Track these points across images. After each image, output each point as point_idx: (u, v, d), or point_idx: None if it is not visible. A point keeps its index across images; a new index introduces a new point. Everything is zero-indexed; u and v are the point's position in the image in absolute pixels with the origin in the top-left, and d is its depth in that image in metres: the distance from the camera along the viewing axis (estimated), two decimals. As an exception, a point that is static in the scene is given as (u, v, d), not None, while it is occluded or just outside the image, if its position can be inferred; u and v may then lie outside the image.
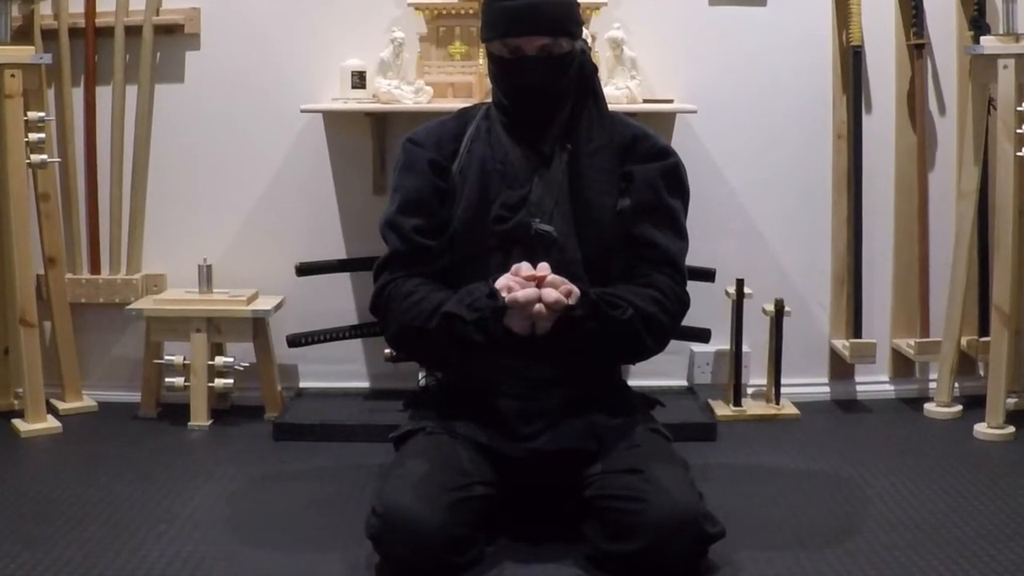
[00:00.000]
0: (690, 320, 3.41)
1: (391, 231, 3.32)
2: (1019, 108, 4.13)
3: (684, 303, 3.30)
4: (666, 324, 3.23)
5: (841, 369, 4.75)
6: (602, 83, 3.49)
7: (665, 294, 3.21)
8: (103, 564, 3.11)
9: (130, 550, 3.21)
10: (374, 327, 4.29)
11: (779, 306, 4.45)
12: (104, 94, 4.54)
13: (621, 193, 3.29)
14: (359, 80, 4.43)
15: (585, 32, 3.81)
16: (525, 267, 3.07)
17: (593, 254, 3.26)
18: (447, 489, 3.02)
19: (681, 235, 3.33)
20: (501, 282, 3.05)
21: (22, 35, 4.43)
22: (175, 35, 4.53)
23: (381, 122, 4.50)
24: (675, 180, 3.34)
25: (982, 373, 4.67)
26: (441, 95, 4.39)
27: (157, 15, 4.50)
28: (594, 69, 3.37)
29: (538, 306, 3.00)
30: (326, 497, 3.65)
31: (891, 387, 4.77)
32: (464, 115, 3.46)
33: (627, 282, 3.23)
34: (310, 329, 4.39)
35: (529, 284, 3.02)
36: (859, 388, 4.77)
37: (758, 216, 4.66)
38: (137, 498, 3.62)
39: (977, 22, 4.42)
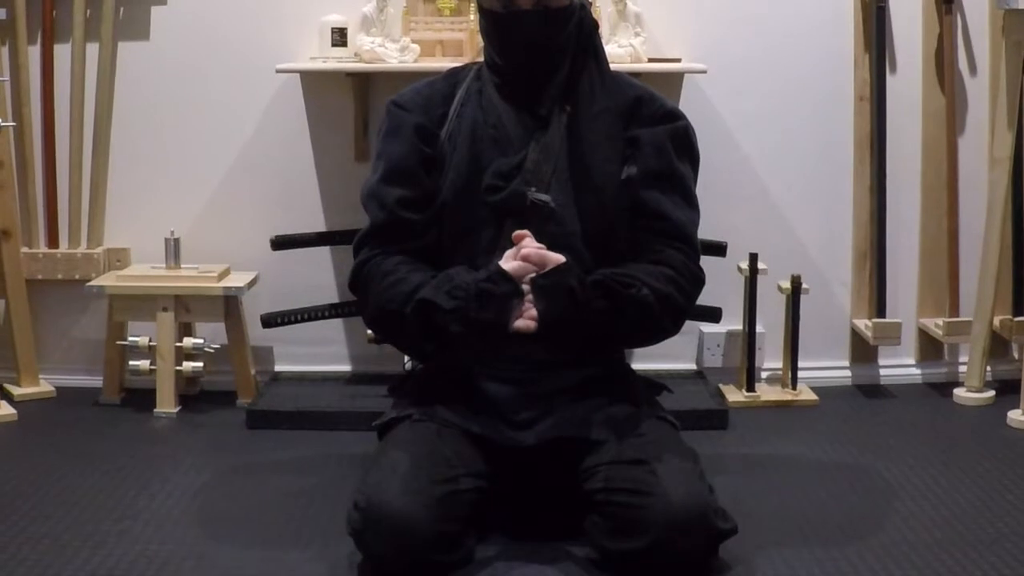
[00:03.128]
0: (699, 298, 3.39)
1: (373, 202, 3.30)
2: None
3: (699, 280, 3.29)
4: (682, 304, 3.21)
5: (863, 351, 4.74)
6: (604, 41, 3.47)
7: (679, 271, 3.19)
8: (61, 563, 3.09)
9: (91, 548, 3.19)
10: (355, 306, 4.28)
11: (796, 283, 4.44)
12: (63, 52, 4.51)
13: (626, 160, 3.27)
14: (340, 37, 4.40)
15: (586, -15, 3.78)
16: (528, 238, 3.09)
17: (594, 226, 3.24)
18: (435, 482, 3.00)
19: (692, 205, 3.32)
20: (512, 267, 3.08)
21: (-28, -12, 4.41)
22: (140, -12, 4.52)
23: (364, 83, 4.48)
24: (685, 144, 3.32)
25: (1016, 355, 4.67)
26: (429, 54, 4.37)
27: (120, -34, 4.48)
28: (595, 25, 3.34)
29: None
30: (303, 490, 3.63)
31: (917, 371, 4.77)
32: (454, 76, 3.43)
33: (636, 258, 3.21)
34: (286, 308, 4.38)
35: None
36: (883, 372, 4.76)
37: (773, 185, 4.64)
38: (98, 491, 3.60)
39: (1011, -26, 4.41)
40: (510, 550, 3.15)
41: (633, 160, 3.26)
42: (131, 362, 4.40)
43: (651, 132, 3.29)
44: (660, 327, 3.21)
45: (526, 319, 3.03)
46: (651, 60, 4.36)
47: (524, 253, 3.05)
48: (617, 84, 3.35)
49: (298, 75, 4.49)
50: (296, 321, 4.36)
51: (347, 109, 4.50)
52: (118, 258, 4.60)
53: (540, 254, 3.05)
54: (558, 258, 3.05)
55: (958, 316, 4.62)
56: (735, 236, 4.38)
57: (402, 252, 3.24)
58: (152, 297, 4.35)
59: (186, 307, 4.39)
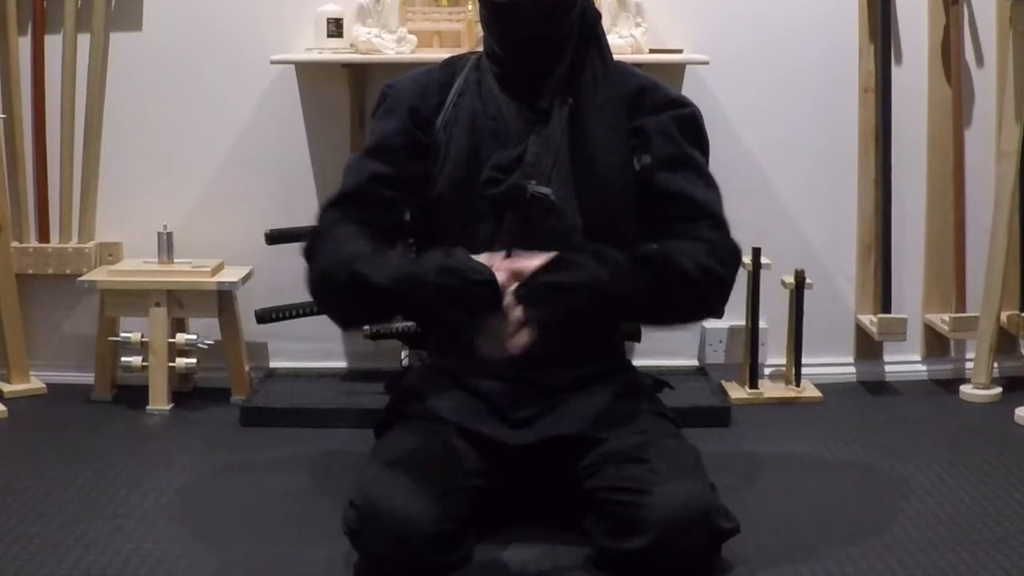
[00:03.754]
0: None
1: (349, 172, 3.27)
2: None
3: (736, 253, 3.22)
4: (724, 276, 3.15)
5: (868, 347, 4.74)
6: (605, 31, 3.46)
7: (716, 245, 3.14)
8: (53, 562, 3.09)
9: (83, 546, 3.19)
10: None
11: (799, 278, 4.44)
12: (54, 44, 4.51)
13: (633, 151, 3.24)
14: (336, 28, 4.40)
15: (586, -26, 3.78)
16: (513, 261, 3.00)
17: (596, 220, 3.22)
18: (433, 480, 3.00)
19: (711, 184, 3.26)
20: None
21: (-39, -23, 4.41)
22: (132, -23, 4.52)
23: (360, 74, 4.47)
24: (693, 130, 3.29)
25: (1024, 352, 4.68)
26: (426, 44, 4.36)
27: (111, -45, 4.48)
28: (597, 16, 3.32)
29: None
30: (299, 489, 3.63)
31: (923, 367, 4.77)
32: (451, 65, 3.41)
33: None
34: (281, 303, 4.36)
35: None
36: (888, 368, 4.76)
37: (776, 178, 4.64)
38: (90, 489, 3.60)
39: (1019, -37, 4.41)
40: (509, 549, 3.15)
41: (644, 150, 3.23)
42: (123, 358, 4.39)
43: (657, 120, 3.25)
44: (706, 301, 3.16)
45: (517, 337, 2.95)
46: (652, 51, 4.35)
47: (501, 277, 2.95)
48: (620, 74, 3.33)
49: (293, 66, 4.49)
50: (291, 317, 4.35)
51: (343, 101, 4.49)
52: (110, 252, 4.60)
53: (512, 269, 2.95)
54: (532, 264, 2.98)
55: (964, 311, 4.62)
56: (737, 230, 4.30)
57: (364, 224, 3.17)
58: (144, 292, 4.34)
59: (179, 302, 4.38)
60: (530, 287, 2.91)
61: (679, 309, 3.19)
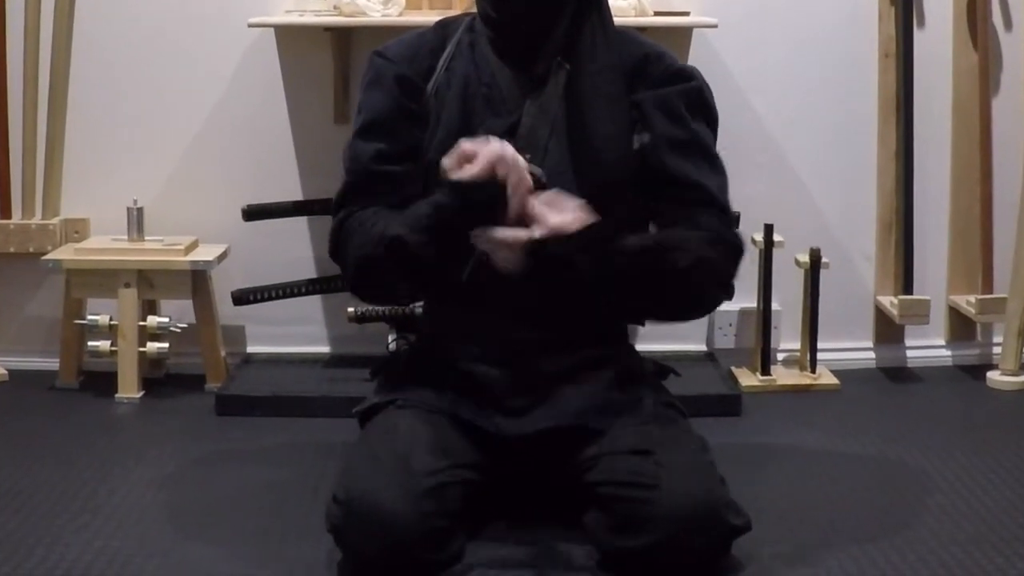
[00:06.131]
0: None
1: (348, 158, 3.28)
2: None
3: (739, 248, 3.22)
4: (726, 268, 3.16)
5: (888, 331, 4.74)
6: (606, -9, 3.44)
7: (721, 236, 3.15)
8: (14, 561, 3.08)
9: (46, 545, 3.18)
10: (335, 281, 4.27)
11: (815, 257, 4.43)
12: (15, 4, 4.49)
13: (633, 126, 3.23)
14: (318, -12, 4.41)
15: (586, -70, 3.76)
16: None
17: (594, 195, 3.19)
18: (422, 473, 2.98)
19: (718, 169, 3.27)
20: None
21: (-85, -67, 4.39)
22: (98, -67, 4.50)
23: (344, 38, 4.46)
24: (700, 106, 3.27)
25: (1054, 336, 4.67)
26: (415, 6, 4.36)
27: (77, -92, 4.46)
28: (598, -22, 3.31)
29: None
30: (278, 482, 3.63)
31: (948, 352, 4.77)
32: (445, 27, 3.40)
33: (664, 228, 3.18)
34: (259, 284, 4.37)
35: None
36: (910, 353, 4.76)
37: (790, 150, 4.63)
38: (55, 483, 3.59)
39: (1051, -81, 4.40)
40: (503, 548, 3.14)
41: (644, 126, 3.22)
42: (90, 343, 4.39)
43: (661, 94, 3.24)
44: (708, 296, 3.19)
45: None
46: (657, 13, 4.34)
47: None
48: (622, 41, 3.30)
49: (272, 30, 4.47)
50: (270, 298, 4.35)
51: (326, 67, 4.48)
52: (76, 229, 4.59)
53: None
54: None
55: (992, 293, 4.62)
56: (749, 206, 4.34)
57: (382, 205, 3.20)
58: (113, 272, 4.33)
59: (150, 283, 4.37)
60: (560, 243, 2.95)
61: (674, 302, 3.20)
